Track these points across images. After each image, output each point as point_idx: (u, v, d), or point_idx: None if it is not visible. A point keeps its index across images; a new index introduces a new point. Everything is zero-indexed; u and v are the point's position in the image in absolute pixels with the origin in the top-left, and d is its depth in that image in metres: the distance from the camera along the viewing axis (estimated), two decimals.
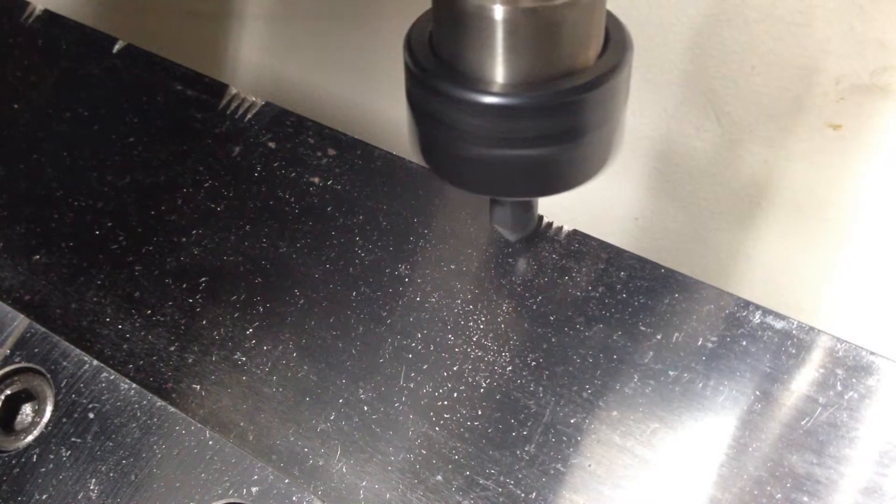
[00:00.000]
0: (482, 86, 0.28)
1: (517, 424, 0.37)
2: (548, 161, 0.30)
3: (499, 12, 0.27)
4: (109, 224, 0.46)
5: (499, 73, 0.28)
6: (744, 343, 0.36)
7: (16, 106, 0.51)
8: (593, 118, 0.29)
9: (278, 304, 0.42)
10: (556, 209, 0.41)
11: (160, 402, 0.40)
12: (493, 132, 0.29)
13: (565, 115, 0.28)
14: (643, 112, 0.55)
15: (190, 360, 0.41)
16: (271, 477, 0.37)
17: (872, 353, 0.35)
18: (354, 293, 0.41)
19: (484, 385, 0.38)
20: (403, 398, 0.38)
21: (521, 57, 0.28)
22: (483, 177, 0.31)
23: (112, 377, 0.41)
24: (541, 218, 0.41)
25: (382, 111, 0.66)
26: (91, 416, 0.40)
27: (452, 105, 0.29)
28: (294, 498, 0.37)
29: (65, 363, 0.42)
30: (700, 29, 0.50)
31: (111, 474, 0.39)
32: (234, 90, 0.48)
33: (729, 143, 0.53)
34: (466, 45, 0.28)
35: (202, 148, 0.47)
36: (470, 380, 0.38)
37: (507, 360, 0.38)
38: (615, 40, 0.30)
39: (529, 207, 0.38)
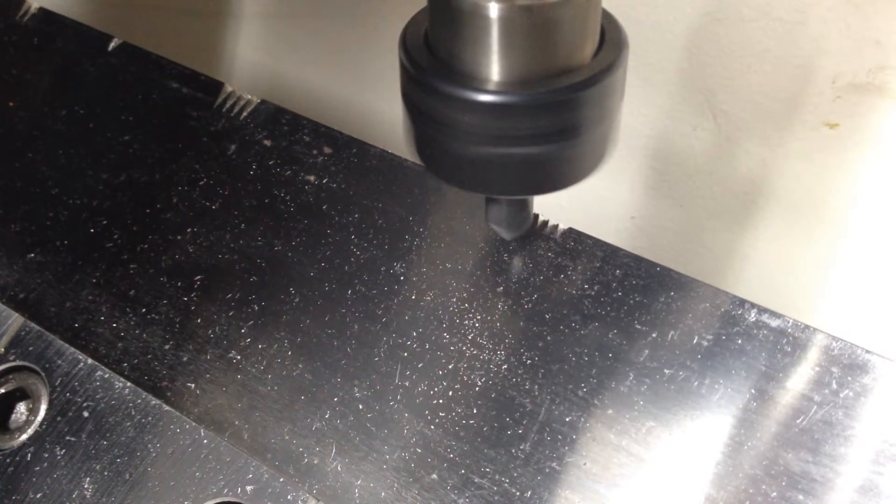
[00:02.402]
0: (478, 84, 0.28)
1: (512, 423, 0.37)
2: (543, 159, 0.30)
3: (494, 10, 0.27)
4: (104, 222, 0.46)
5: (494, 71, 0.28)
6: (739, 341, 0.36)
7: (11, 104, 0.51)
8: (589, 116, 0.29)
9: (273, 302, 0.42)
10: (553, 208, 0.41)
11: (155, 401, 0.40)
12: (488, 130, 0.29)
13: (561, 113, 0.29)
14: (640, 111, 0.55)
15: (185, 359, 0.41)
16: (266, 476, 0.37)
17: (868, 352, 0.35)
18: (350, 291, 0.41)
19: (479, 383, 0.38)
20: (398, 396, 0.38)
21: (517, 55, 0.28)
22: (479, 175, 0.31)
23: (107, 376, 0.41)
24: (536, 216, 0.41)
25: (378, 109, 0.65)
26: (86, 414, 0.40)
27: (448, 103, 0.29)
28: (289, 496, 0.37)
29: (59, 361, 0.42)
30: (696, 28, 0.50)
31: (106, 473, 0.39)
32: (229, 88, 0.48)
33: (725, 142, 0.53)
34: (462, 43, 0.28)
35: (198, 146, 0.47)
36: (465, 378, 0.38)
37: (503, 358, 0.38)
38: (611, 38, 0.30)
39: (525, 206, 0.38)
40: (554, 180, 0.31)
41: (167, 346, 0.41)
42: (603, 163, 0.32)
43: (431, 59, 0.29)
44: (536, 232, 0.41)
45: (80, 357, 0.41)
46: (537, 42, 0.28)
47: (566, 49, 0.28)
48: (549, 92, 0.28)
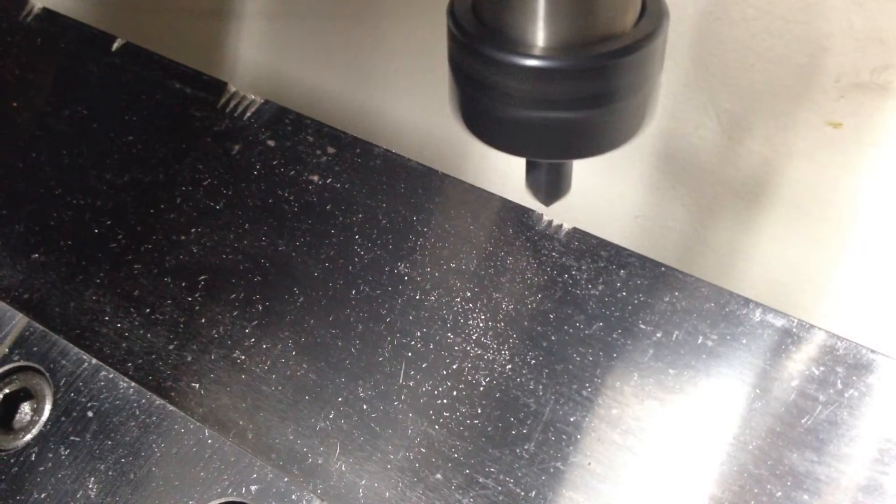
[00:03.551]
0: (523, 49, 0.29)
1: (517, 423, 0.37)
2: (585, 124, 0.31)
3: None
4: (108, 223, 0.46)
5: (540, 36, 0.29)
6: (744, 341, 0.36)
7: (14, 104, 0.51)
8: (629, 83, 0.30)
9: (277, 302, 0.42)
10: (557, 208, 0.41)
11: (159, 401, 0.40)
12: (532, 94, 0.30)
13: (602, 78, 0.30)
14: None
15: (189, 359, 0.41)
16: (270, 475, 0.37)
17: (873, 351, 0.35)
18: (354, 291, 0.41)
19: (483, 383, 0.38)
20: (403, 396, 0.38)
21: (561, 21, 0.29)
22: (521, 138, 0.32)
23: (111, 376, 0.41)
24: (541, 216, 0.41)
25: (382, 109, 0.65)
26: (90, 414, 0.40)
27: (494, 68, 0.30)
28: (293, 496, 0.37)
29: (64, 362, 0.42)
30: (699, 27, 0.50)
31: (110, 473, 0.39)
32: (233, 88, 0.48)
33: (729, 142, 0.53)
34: (508, 9, 0.29)
35: (201, 146, 0.47)
36: (469, 378, 0.38)
37: (507, 358, 0.38)
38: (651, 8, 0.31)
39: (563, 173, 0.39)
40: (593, 145, 0.32)
41: (171, 347, 0.41)
42: (641, 130, 0.32)
43: (478, 26, 0.30)
44: (540, 232, 0.41)
45: (85, 357, 0.41)
46: (581, 8, 0.28)
47: (608, 16, 0.29)
48: (592, 57, 0.29)
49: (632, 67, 0.30)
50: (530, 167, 0.38)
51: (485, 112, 0.32)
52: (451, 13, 0.31)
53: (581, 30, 0.29)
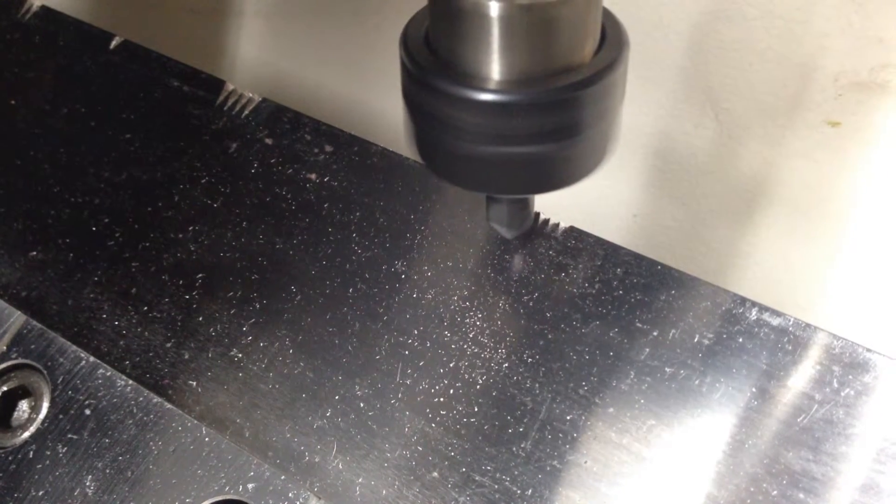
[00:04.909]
0: (478, 83, 0.28)
1: (513, 421, 0.37)
2: (544, 158, 0.30)
3: (495, 9, 0.27)
4: (106, 220, 0.46)
5: (495, 70, 0.28)
6: (740, 340, 0.36)
7: (13, 102, 0.51)
8: (589, 115, 0.29)
9: (275, 300, 0.42)
10: (555, 207, 0.41)
11: (156, 399, 0.40)
12: (488, 129, 0.29)
13: (561, 111, 0.28)
14: (642, 109, 0.55)
15: (186, 357, 0.41)
16: (267, 473, 0.37)
17: (869, 350, 0.35)
18: (351, 290, 0.41)
19: (480, 382, 0.38)
20: (400, 395, 0.38)
21: (517, 54, 0.28)
22: (479, 174, 0.31)
23: (108, 374, 0.41)
24: (538, 215, 0.41)
25: (380, 108, 0.65)
26: (87, 412, 0.40)
27: (448, 102, 0.29)
28: (290, 494, 0.37)
29: (61, 359, 0.42)
30: (698, 26, 0.50)
31: (107, 471, 0.39)
32: (231, 86, 0.48)
33: (727, 141, 0.53)
34: (462, 42, 0.28)
35: (199, 144, 0.47)
36: (466, 376, 0.38)
37: (504, 356, 0.38)
38: (611, 37, 0.30)
39: (526, 205, 0.38)
40: (554, 179, 0.31)
41: (169, 344, 0.42)
42: (603, 162, 0.32)
43: (432, 58, 0.29)
44: (537, 230, 0.41)
45: (82, 355, 0.41)
46: (537, 41, 0.27)
47: (566, 48, 0.28)
48: (550, 91, 0.28)
49: (592, 100, 0.28)
50: (491, 201, 0.37)
51: (440, 147, 0.30)
52: (404, 45, 0.30)
53: (538, 62, 0.28)
